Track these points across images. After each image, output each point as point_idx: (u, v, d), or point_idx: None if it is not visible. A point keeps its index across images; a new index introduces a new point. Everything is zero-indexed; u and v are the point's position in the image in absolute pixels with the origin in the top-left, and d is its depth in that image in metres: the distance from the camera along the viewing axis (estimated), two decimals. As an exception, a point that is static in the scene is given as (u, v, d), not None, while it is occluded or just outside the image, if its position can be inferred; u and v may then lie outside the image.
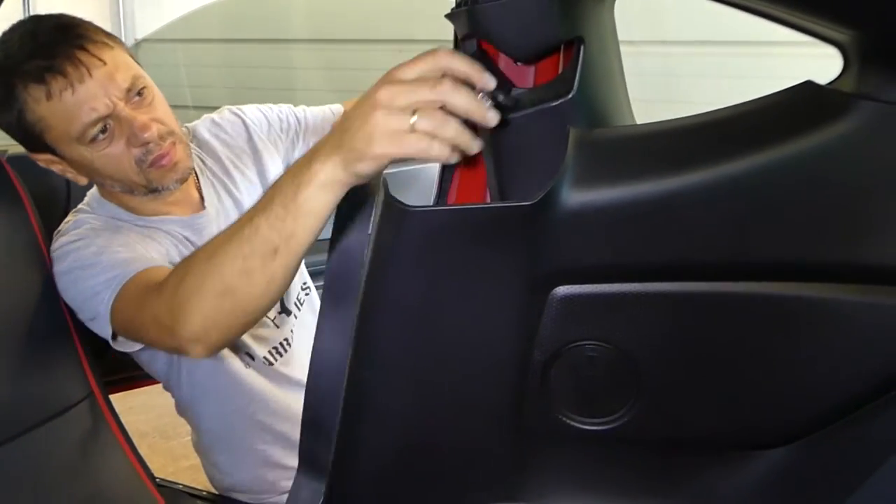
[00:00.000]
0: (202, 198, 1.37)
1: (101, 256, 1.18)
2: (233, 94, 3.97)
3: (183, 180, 1.28)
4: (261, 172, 1.45)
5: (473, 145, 0.77)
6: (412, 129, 0.77)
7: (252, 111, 1.49)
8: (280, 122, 1.49)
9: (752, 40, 2.81)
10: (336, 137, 0.80)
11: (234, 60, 4.14)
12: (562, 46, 0.84)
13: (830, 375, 0.77)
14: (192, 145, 1.39)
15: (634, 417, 0.79)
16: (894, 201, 0.71)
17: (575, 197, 0.72)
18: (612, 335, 0.76)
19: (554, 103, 0.78)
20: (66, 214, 1.34)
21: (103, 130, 1.17)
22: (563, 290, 0.75)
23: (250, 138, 1.46)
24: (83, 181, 1.26)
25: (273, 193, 0.86)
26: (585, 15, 0.84)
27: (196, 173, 1.38)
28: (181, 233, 1.32)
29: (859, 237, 0.72)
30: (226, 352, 1.34)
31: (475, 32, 0.83)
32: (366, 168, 0.79)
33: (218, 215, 1.38)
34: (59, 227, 1.30)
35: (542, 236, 0.73)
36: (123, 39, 4.53)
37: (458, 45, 0.88)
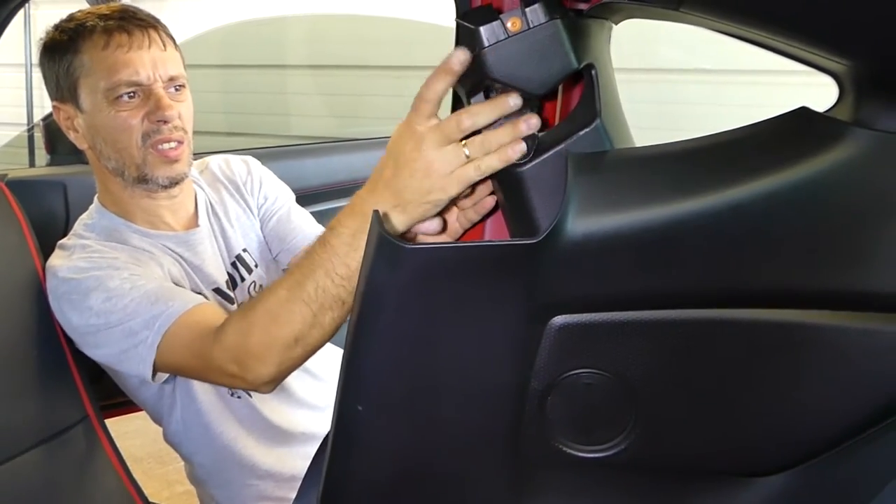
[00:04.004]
0: (197, 214, 1.40)
1: (130, 292, 1.19)
2: (231, 119, 3.99)
3: (173, 183, 1.31)
4: (249, 206, 1.50)
5: (522, 133, 0.82)
6: (467, 161, 0.84)
7: (260, 167, 1.55)
8: (269, 196, 1.53)
9: (748, 69, 2.83)
10: (392, 196, 0.87)
11: (232, 86, 4.17)
12: (560, 86, 0.84)
13: (829, 402, 0.77)
14: (198, 175, 1.46)
15: (632, 444, 0.78)
16: (889, 228, 0.72)
17: (578, 228, 0.71)
18: (609, 363, 0.76)
19: (583, 131, 0.78)
20: (64, 236, 1.34)
21: (131, 95, 1.24)
22: (560, 319, 0.75)
23: (246, 181, 1.51)
24: (83, 145, 1.31)
25: (329, 254, 0.92)
26: (590, 41, 0.84)
27: (195, 189, 1.43)
28: (175, 249, 1.34)
29: (856, 264, 0.73)
30: (211, 386, 1.35)
31: (487, 76, 0.81)
32: (430, 215, 0.88)
33: (210, 234, 1.40)
34: (64, 244, 1.30)
35: (543, 269, 0.72)
36: (123, 64, 4.52)
37: (465, 104, 0.86)
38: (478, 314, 0.75)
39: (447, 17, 0.87)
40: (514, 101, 0.83)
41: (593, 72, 0.81)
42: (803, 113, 0.73)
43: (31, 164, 3.69)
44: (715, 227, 0.72)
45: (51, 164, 2.21)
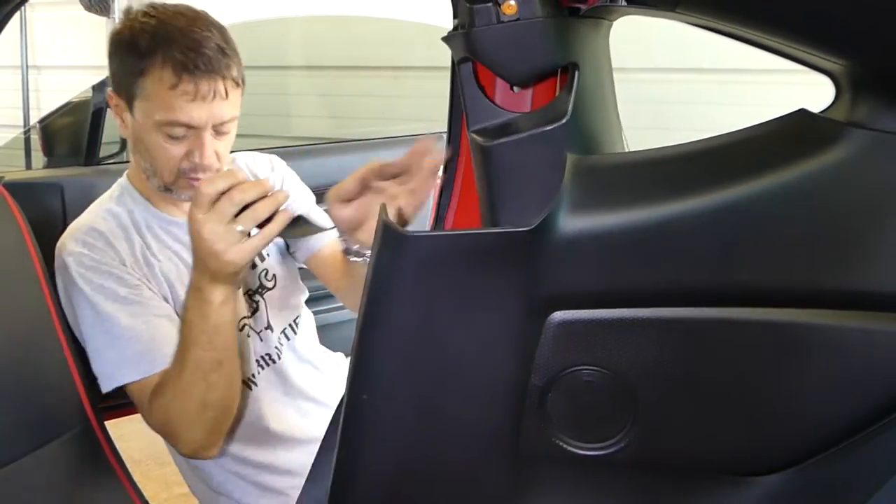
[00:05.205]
0: None
1: (118, 327, 1.27)
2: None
3: None
4: None
5: (283, 200, 1.09)
6: (243, 235, 1.07)
7: (284, 167, 1.62)
8: (290, 195, 1.56)
9: (744, 68, 2.83)
10: (206, 270, 1.10)
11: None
12: (558, 72, 0.85)
13: (826, 401, 0.77)
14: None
15: (631, 442, 0.79)
16: (886, 227, 0.72)
17: (571, 223, 0.72)
18: (609, 360, 0.76)
19: (548, 127, 0.79)
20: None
21: (178, 134, 1.26)
22: (559, 315, 0.75)
23: (268, 178, 1.55)
24: (125, 134, 1.35)
25: (188, 330, 1.16)
26: (581, 41, 0.85)
27: None
28: (183, 238, 1.37)
29: (852, 263, 0.73)
30: None
31: (472, 56, 0.84)
32: (239, 271, 1.11)
33: None
34: (78, 225, 1.35)
35: (538, 262, 0.73)
36: (120, 66, 4.49)
37: (455, 68, 0.89)
38: (478, 304, 0.76)
39: (443, 18, 0.89)
40: (269, 182, 1.10)
41: (576, 73, 0.82)
42: (800, 114, 0.73)
43: (28, 166, 3.68)
44: (711, 227, 0.72)
45: (48, 166, 2.21)
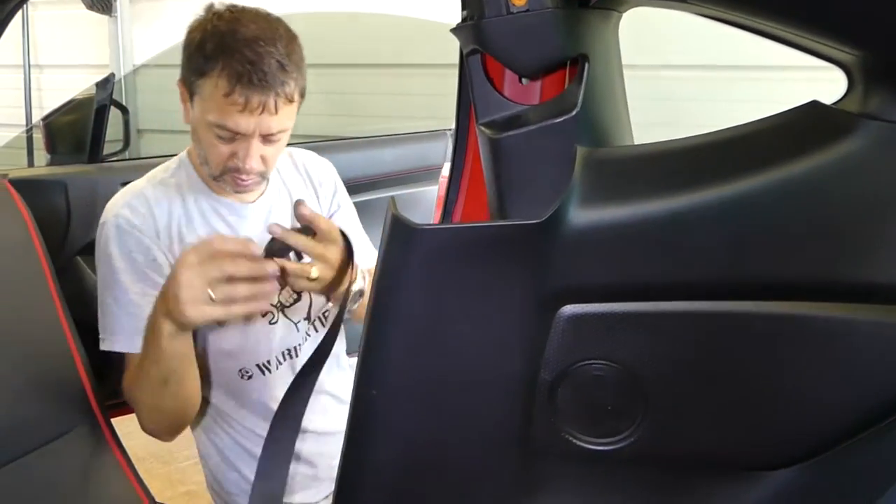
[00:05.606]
0: (265, 190, 1.48)
1: (126, 302, 1.34)
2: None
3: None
4: (321, 205, 1.57)
5: (266, 294, 1.15)
6: (212, 300, 1.11)
7: (336, 175, 1.63)
8: (342, 205, 1.62)
9: (750, 65, 2.83)
10: (166, 303, 1.15)
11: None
12: (567, 64, 0.85)
13: (838, 395, 0.76)
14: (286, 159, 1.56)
15: (641, 437, 0.78)
16: None
17: (581, 216, 0.72)
18: (619, 354, 0.76)
19: (558, 119, 0.79)
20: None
21: (227, 136, 1.30)
22: (569, 309, 0.75)
23: (323, 183, 1.59)
24: (187, 121, 1.37)
25: (146, 344, 1.24)
26: (590, 33, 0.84)
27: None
28: (227, 218, 1.43)
29: (865, 256, 0.72)
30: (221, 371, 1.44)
31: (480, 47, 0.83)
32: (189, 324, 1.16)
33: (269, 208, 1.48)
34: (130, 188, 1.41)
35: (548, 255, 0.73)
36: (122, 65, 4.51)
37: (463, 60, 0.89)
38: (487, 298, 0.76)
39: (447, 15, 0.89)
40: (271, 268, 1.13)
41: (586, 65, 0.81)
42: (813, 106, 0.73)
43: (30, 164, 3.69)
44: (722, 219, 0.72)
45: (51, 163, 2.21)
